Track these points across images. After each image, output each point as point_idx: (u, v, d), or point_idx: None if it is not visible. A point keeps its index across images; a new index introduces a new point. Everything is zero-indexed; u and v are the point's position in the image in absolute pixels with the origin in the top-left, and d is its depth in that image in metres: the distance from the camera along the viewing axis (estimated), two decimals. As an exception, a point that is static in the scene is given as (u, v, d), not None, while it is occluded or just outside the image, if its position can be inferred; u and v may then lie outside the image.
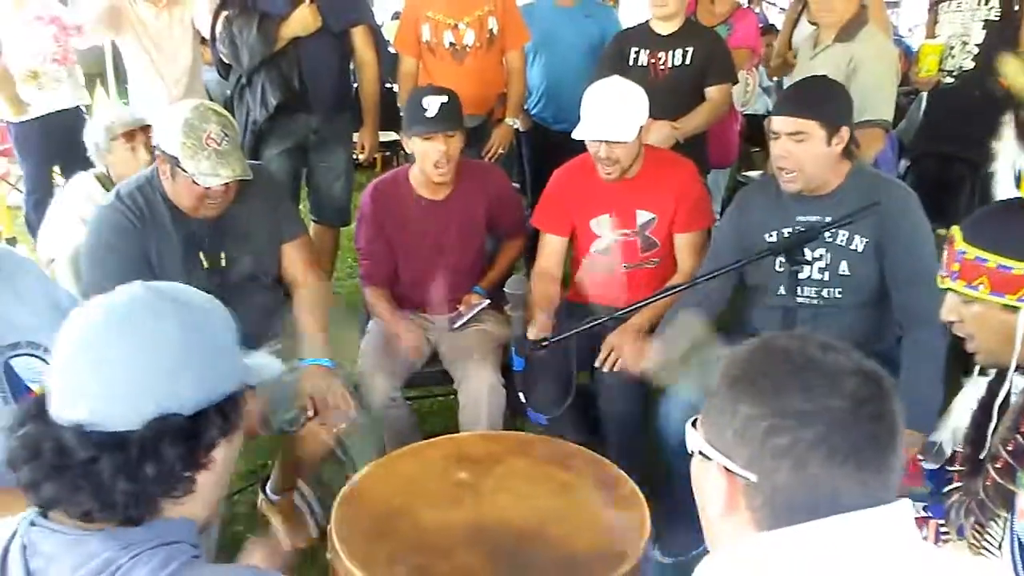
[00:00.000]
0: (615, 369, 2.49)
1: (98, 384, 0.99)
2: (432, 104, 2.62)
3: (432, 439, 2.19)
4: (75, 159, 2.99)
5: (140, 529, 1.01)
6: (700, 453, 0.97)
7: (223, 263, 2.41)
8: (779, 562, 0.88)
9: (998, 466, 1.40)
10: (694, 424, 0.99)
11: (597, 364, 2.51)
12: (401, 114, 3.67)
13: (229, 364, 1.08)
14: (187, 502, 1.05)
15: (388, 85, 4.14)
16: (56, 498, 1.00)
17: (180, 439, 1.00)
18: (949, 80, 3.38)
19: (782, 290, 2.36)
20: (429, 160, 2.67)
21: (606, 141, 2.57)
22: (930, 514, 1.64)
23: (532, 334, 2.45)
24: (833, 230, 2.26)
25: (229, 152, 2.24)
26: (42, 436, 0.99)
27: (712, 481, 0.94)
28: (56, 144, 4.29)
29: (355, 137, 3.74)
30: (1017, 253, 1.39)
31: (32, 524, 1.03)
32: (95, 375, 0.99)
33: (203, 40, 4.00)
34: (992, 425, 1.49)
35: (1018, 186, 1.43)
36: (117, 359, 0.99)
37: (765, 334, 0.99)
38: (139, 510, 1.00)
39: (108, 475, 0.97)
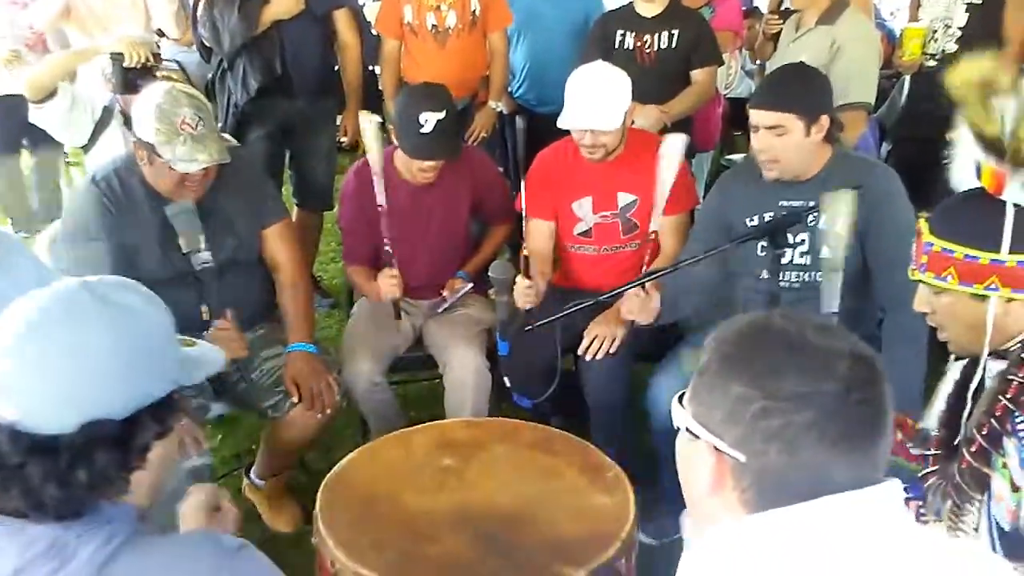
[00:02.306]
0: (598, 357, 2.49)
1: (28, 386, 0.99)
2: (428, 121, 2.56)
3: (416, 425, 2.19)
4: (42, 137, 2.98)
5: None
6: (687, 431, 0.96)
7: (202, 247, 2.39)
8: (769, 544, 0.88)
9: (973, 450, 1.42)
10: (680, 400, 0.98)
11: (580, 352, 2.51)
12: (383, 97, 3.71)
13: (162, 367, 1.08)
14: (123, 498, 1.06)
15: (371, 68, 4.10)
16: None
17: (112, 444, 1.01)
18: (932, 63, 3.39)
19: (764, 274, 2.36)
20: (414, 167, 2.66)
21: (591, 130, 2.57)
22: (911, 495, 1.66)
23: (522, 301, 2.43)
24: (815, 213, 2.27)
25: (205, 136, 2.22)
26: None
27: (699, 459, 0.94)
28: (22, 123, 4.24)
29: (338, 120, 3.71)
30: (982, 243, 1.40)
31: None
32: (26, 376, 0.99)
33: (160, 33, 3.98)
34: (967, 409, 1.51)
35: (979, 177, 1.44)
36: (48, 363, 0.99)
37: (759, 312, 0.98)
38: (71, 509, 1.01)
39: (37, 480, 0.98)
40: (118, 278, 1.12)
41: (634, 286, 2.38)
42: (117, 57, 2.73)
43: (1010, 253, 1.39)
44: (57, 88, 2.67)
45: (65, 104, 2.73)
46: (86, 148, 2.86)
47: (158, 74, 2.78)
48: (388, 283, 2.65)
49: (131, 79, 2.72)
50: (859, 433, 0.89)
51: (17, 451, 0.98)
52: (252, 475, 2.67)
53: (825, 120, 2.24)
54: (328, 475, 1.91)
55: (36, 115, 2.78)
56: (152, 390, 1.05)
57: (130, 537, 1.02)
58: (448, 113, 2.60)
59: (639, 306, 2.38)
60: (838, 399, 0.88)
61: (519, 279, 2.45)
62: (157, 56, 2.92)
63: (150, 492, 1.10)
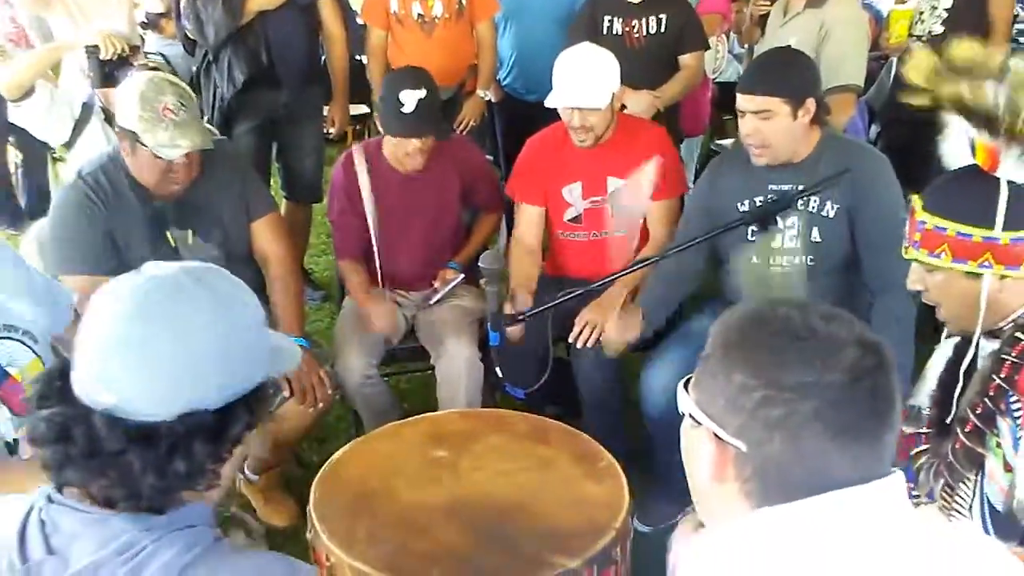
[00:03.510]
0: (589, 345, 2.49)
1: (129, 372, 0.96)
2: (409, 100, 2.54)
3: (409, 418, 2.19)
4: (28, 134, 2.96)
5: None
6: (691, 416, 0.95)
7: (191, 242, 2.38)
8: (774, 541, 0.87)
9: (967, 429, 1.42)
10: (686, 386, 0.97)
11: (571, 340, 2.51)
12: (370, 88, 3.68)
13: (258, 356, 1.05)
14: (206, 494, 1.05)
15: (357, 57, 4.08)
16: (80, 482, 0.98)
17: (210, 434, 0.99)
18: (919, 45, 3.38)
19: (755, 259, 2.37)
20: (400, 151, 2.65)
21: (579, 109, 2.56)
22: (902, 480, 1.66)
23: (509, 310, 2.43)
24: (805, 197, 2.27)
25: (187, 122, 2.20)
26: (71, 419, 0.96)
27: (701, 447, 0.92)
28: (7, 120, 4.21)
29: (325, 111, 3.69)
30: (975, 220, 1.40)
31: (50, 500, 1.01)
32: (127, 361, 0.96)
33: (147, 20, 3.93)
34: (959, 387, 1.51)
35: (973, 154, 1.44)
36: (151, 349, 0.96)
37: (764, 299, 0.96)
38: (162, 501, 0.99)
39: (137, 468, 0.95)
40: (207, 264, 1.09)
41: (624, 275, 2.38)
42: (93, 50, 2.70)
43: (1004, 230, 1.39)
44: (35, 87, 2.64)
45: (44, 102, 2.71)
46: (67, 145, 2.84)
47: (135, 63, 2.75)
48: (381, 319, 2.65)
49: (109, 71, 2.70)
50: (864, 424, 0.86)
51: (116, 438, 0.95)
52: (246, 470, 2.66)
53: (811, 103, 2.23)
54: (322, 469, 1.90)
55: (15, 114, 2.76)
56: (248, 379, 1.03)
57: (210, 547, 1.00)
58: (429, 92, 2.58)
59: (620, 330, 2.41)
60: (843, 389, 0.85)
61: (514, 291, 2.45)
62: (135, 48, 2.90)
63: (225, 486, 1.08)
